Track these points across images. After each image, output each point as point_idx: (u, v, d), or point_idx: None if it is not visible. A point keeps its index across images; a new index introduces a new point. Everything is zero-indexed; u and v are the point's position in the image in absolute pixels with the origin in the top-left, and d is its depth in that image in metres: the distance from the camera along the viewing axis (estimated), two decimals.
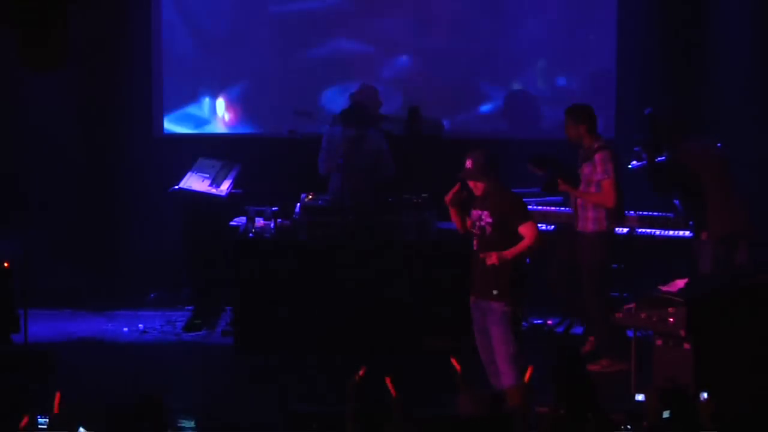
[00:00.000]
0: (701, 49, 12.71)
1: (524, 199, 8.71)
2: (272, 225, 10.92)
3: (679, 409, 6.94)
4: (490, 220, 8.29)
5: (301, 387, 9.71)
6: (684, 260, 10.80)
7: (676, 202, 10.87)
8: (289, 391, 9.60)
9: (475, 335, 8.50)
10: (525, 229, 8.25)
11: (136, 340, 11.39)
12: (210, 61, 13.02)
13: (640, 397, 7.23)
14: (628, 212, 11.19)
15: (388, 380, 6.49)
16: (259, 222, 10.97)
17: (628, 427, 7.01)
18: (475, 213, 8.42)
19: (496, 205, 8.29)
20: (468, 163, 8.35)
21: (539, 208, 11.16)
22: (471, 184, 8.39)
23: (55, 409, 6.32)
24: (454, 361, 7.10)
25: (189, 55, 13.05)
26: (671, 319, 8.35)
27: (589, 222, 10.11)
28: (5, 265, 10.37)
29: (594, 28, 13.02)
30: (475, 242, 8.42)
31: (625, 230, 11.07)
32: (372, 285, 10.62)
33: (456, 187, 8.48)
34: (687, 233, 10.87)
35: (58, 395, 6.31)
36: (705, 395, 6.97)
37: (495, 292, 8.28)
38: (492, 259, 8.17)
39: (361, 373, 6.84)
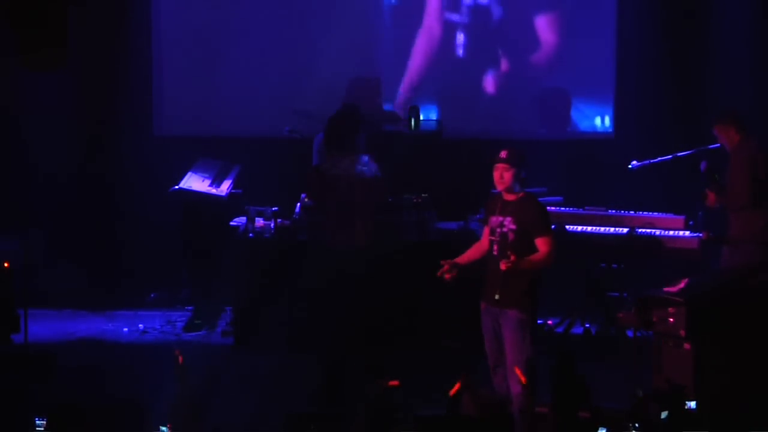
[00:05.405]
0: (701, 50, 12.70)
1: None
2: (272, 225, 10.91)
3: (677, 410, 6.97)
4: (513, 227, 8.23)
5: (300, 387, 9.70)
6: (684, 260, 10.78)
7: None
8: (289, 390, 9.59)
9: (485, 339, 8.44)
10: (542, 243, 8.19)
11: (136, 340, 11.39)
12: (210, 60, 13.01)
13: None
14: (628, 212, 11.19)
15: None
16: (259, 222, 10.96)
17: (636, 425, 7.03)
18: (495, 219, 8.34)
19: (522, 213, 8.24)
20: (503, 154, 8.32)
21: None
22: (497, 175, 8.31)
23: None
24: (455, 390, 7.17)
25: (189, 55, 13.04)
26: (671, 319, 8.34)
27: None
28: (5, 265, 10.36)
29: (594, 29, 13.02)
30: (495, 248, 8.33)
31: (625, 230, 11.06)
32: (371, 285, 10.60)
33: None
34: (686, 233, 10.86)
35: None
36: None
37: (497, 297, 8.25)
38: (508, 264, 8.10)
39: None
